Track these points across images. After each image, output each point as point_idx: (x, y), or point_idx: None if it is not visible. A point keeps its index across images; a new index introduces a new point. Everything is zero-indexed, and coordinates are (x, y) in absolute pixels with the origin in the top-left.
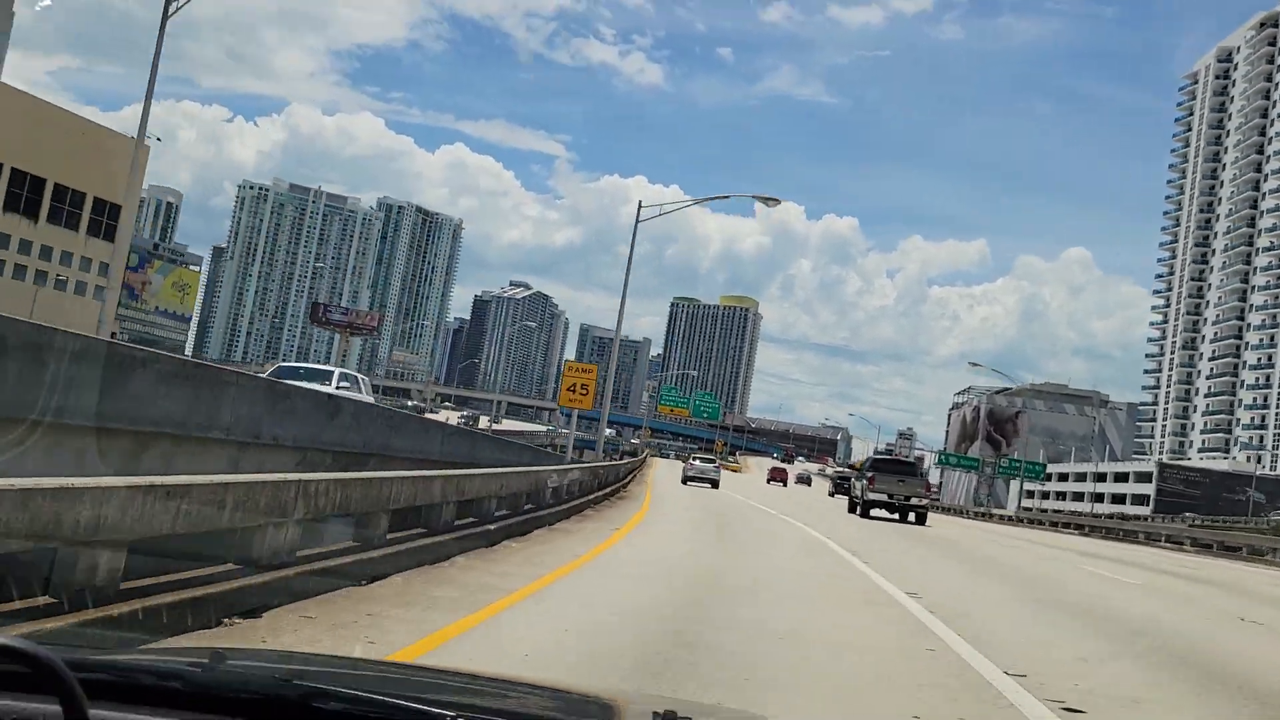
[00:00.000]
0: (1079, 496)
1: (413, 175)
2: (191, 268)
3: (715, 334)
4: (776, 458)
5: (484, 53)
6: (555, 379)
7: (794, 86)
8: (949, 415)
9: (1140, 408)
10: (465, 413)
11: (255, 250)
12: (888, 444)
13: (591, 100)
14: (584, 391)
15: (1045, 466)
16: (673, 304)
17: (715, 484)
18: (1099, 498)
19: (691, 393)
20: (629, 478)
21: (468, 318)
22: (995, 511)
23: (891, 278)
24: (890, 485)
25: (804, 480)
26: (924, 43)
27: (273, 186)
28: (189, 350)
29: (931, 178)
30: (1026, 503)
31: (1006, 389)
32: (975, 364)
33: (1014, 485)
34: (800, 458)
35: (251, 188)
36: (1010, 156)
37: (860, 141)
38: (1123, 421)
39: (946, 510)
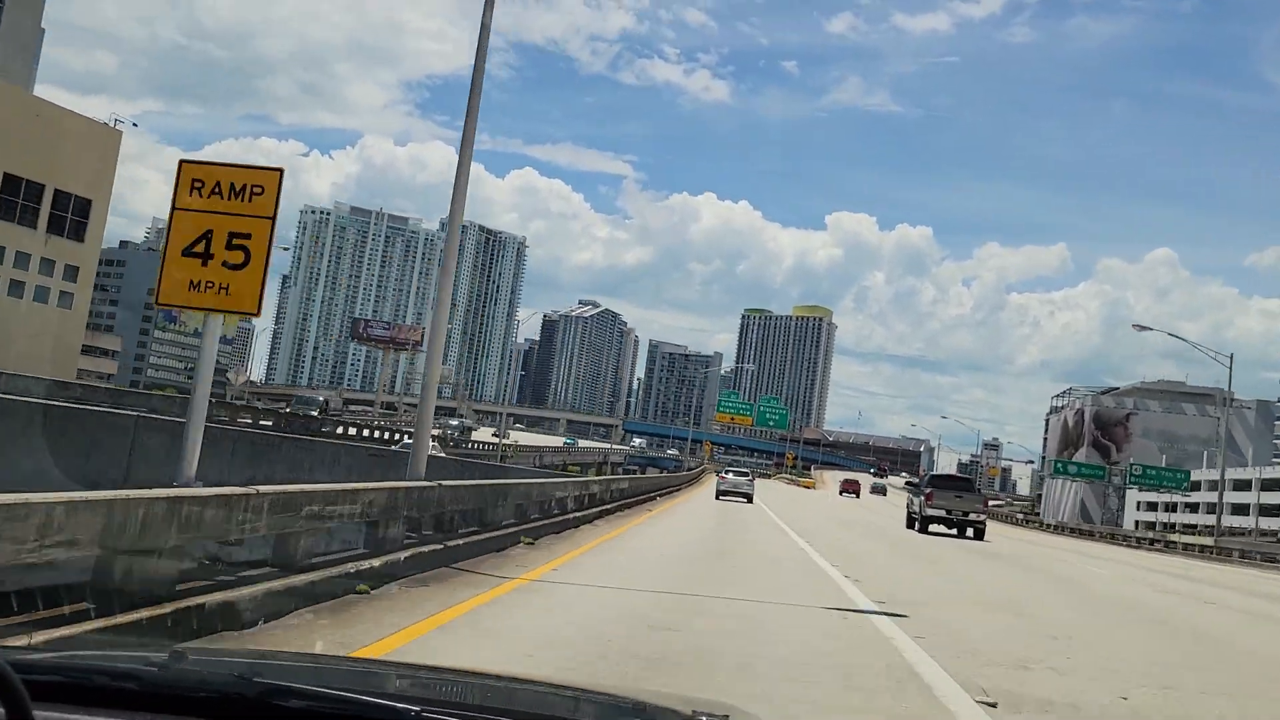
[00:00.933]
0: (1212, 508)
1: (483, 200)
2: None
3: (789, 345)
4: (872, 473)
5: (549, 77)
6: (627, 394)
7: (861, 97)
8: (1047, 421)
9: (1276, 404)
10: (456, 422)
11: (318, 274)
12: (972, 455)
13: (657, 119)
14: (235, 261)
15: (1189, 475)
16: (744, 316)
17: (749, 498)
18: (1241, 510)
19: (755, 399)
20: (593, 507)
21: (537, 338)
22: (1181, 539)
23: (968, 286)
24: (948, 501)
25: (879, 490)
26: (993, 47)
27: (333, 210)
28: (261, 376)
29: (1007, 183)
30: (1148, 516)
31: (1113, 388)
32: (1143, 326)
33: (1129, 497)
34: (903, 473)
35: (313, 212)
36: (1088, 158)
37: (932, 150)
38: (1252, 422)
39: (1075, 532)
